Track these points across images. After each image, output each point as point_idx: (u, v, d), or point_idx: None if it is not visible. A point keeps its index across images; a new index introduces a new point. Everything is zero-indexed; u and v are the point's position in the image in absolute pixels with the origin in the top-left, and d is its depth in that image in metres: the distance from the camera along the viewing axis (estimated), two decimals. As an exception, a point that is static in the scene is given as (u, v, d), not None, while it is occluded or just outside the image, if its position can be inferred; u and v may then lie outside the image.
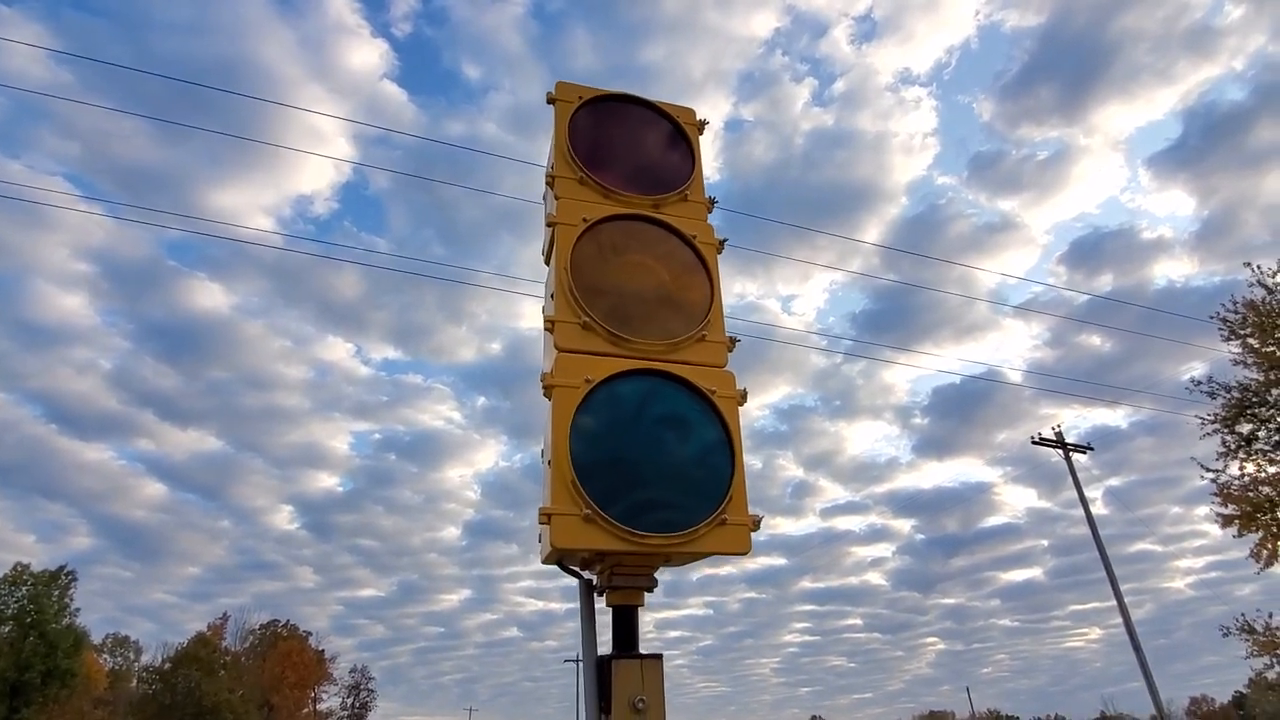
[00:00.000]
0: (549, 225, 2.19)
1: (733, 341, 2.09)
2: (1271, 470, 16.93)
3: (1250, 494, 17.42)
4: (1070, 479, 17.81)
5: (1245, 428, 17.76)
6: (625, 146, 2.44)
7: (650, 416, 1.95)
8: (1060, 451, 19.71)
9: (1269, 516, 17.23)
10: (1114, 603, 19.54)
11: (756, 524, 1.87)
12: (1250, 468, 17.49)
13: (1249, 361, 17.55)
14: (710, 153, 2.64)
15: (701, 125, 2.47)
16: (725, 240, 2.24)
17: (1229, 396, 17.74)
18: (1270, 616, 16.95)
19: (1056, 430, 20.10)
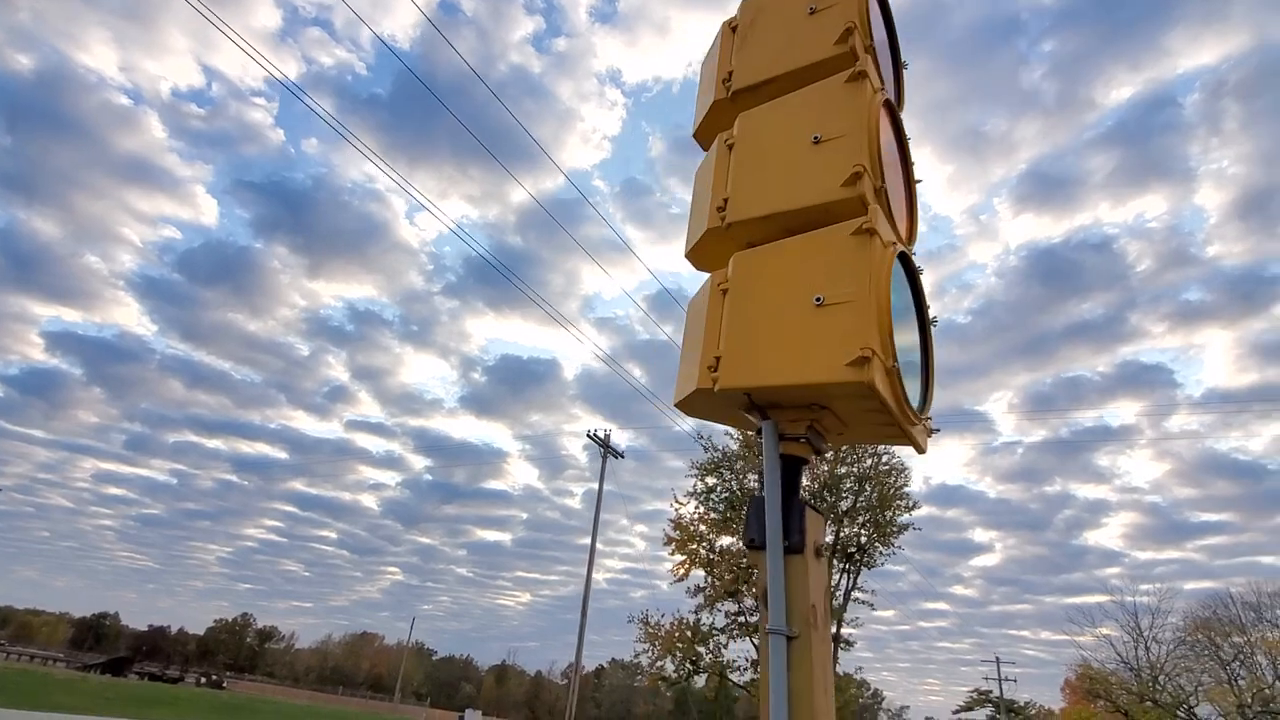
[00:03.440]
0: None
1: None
2: (712, 517, 22.21)
3: (690, 528, 22.51)
4: (596, 474, 21.12)
5: (711, 480, 22.95)
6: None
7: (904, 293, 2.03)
8: (600, 449, 23.45)
9: (694, 547, 22.46)
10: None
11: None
12: (701, 510, 22.62)
13: (736, 436, 22.84)
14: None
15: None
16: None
17: (713, 454, 22.78)
18: (662, 615, 21.99)
19: (606, 433, 23.95)
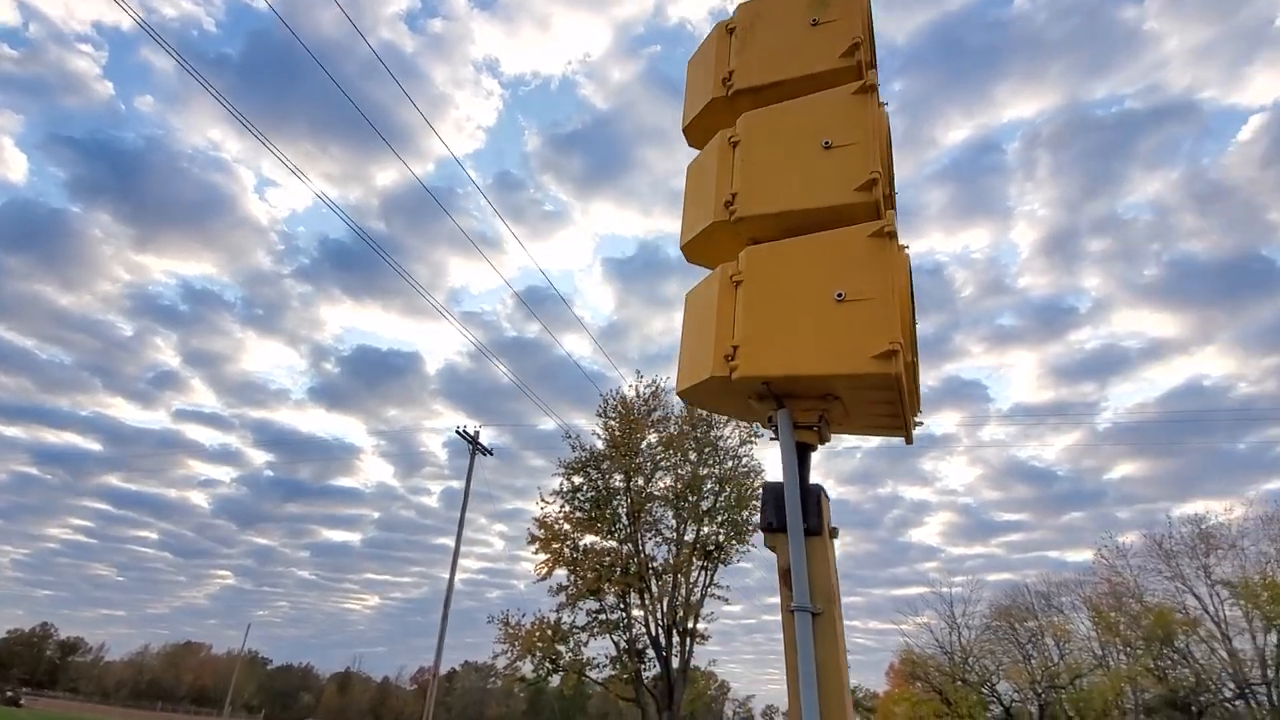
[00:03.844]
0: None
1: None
2: (578, 516, 22.24)
3: (555, 527, 22.44)
4: (456, 472, 20.42)
5: (578, 479, 22.98)
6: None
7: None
8: (469, 446, 22.71)
9: (558, 546, 22.39)
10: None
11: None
12: (566, 509, 22.60)
13: (603, 436, 22.98)
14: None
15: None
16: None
17: (582, 453, 22.83)
18: (522, 615, 21.75)
19: (476, 430, 23.22)
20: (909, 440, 2.21)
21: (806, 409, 2.03)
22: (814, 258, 2.04)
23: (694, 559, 22.52)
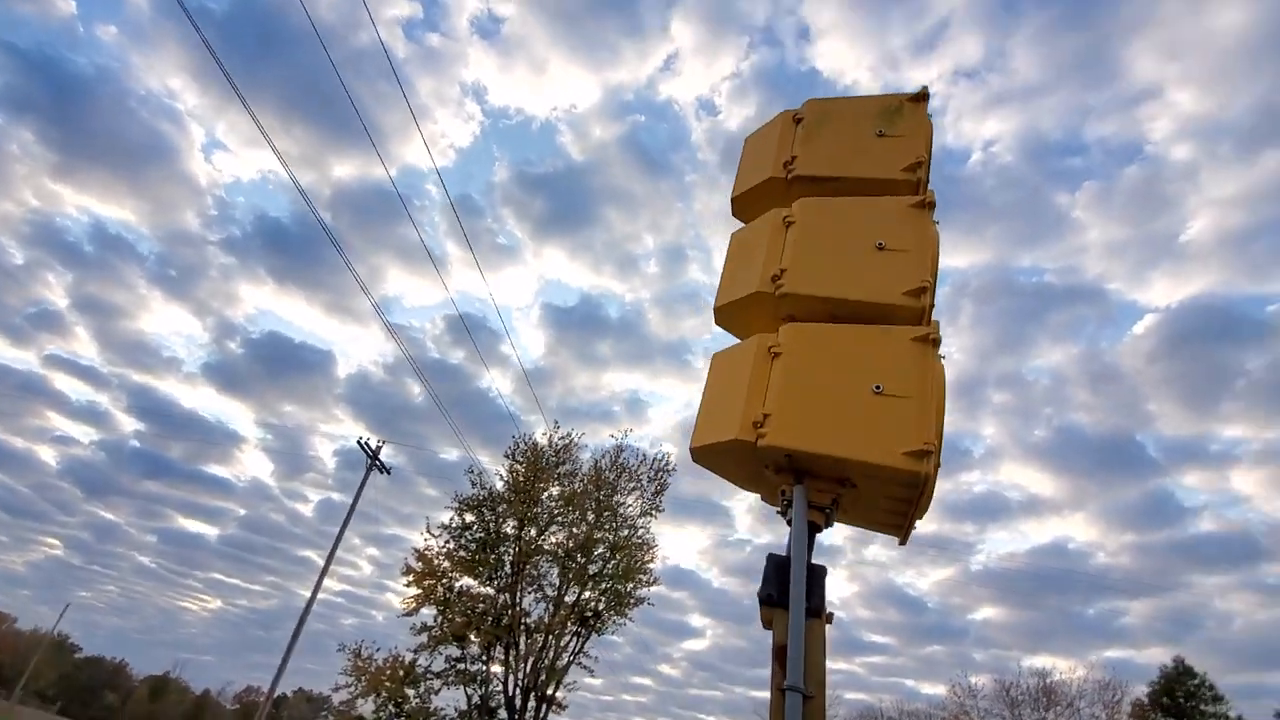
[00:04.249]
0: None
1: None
2: (461, 555, 21.44)
3: (434, 562, 21.55)
4: (340, 484, 19.30)
5: (470, 518, 22.27)
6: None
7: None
8: (367, 460, 21.66)
9: (432, 582, 21.45)
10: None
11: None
12: (450, 545, 21.79)
13: (506, 479, 22.48)
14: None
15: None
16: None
17: (480, 490, 22.19)
18: (376, 648, 20.53)
19: (379, 444, 22.22)
20: (904, 541, 2.25)
21: (821, 490, 2.05)
22: (857, 347, 2.11)
23: (569, 622, 21.94)
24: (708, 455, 2.21)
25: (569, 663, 21.85)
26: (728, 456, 2.17)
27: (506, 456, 22.38)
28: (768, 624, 1.96)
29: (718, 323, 2.54)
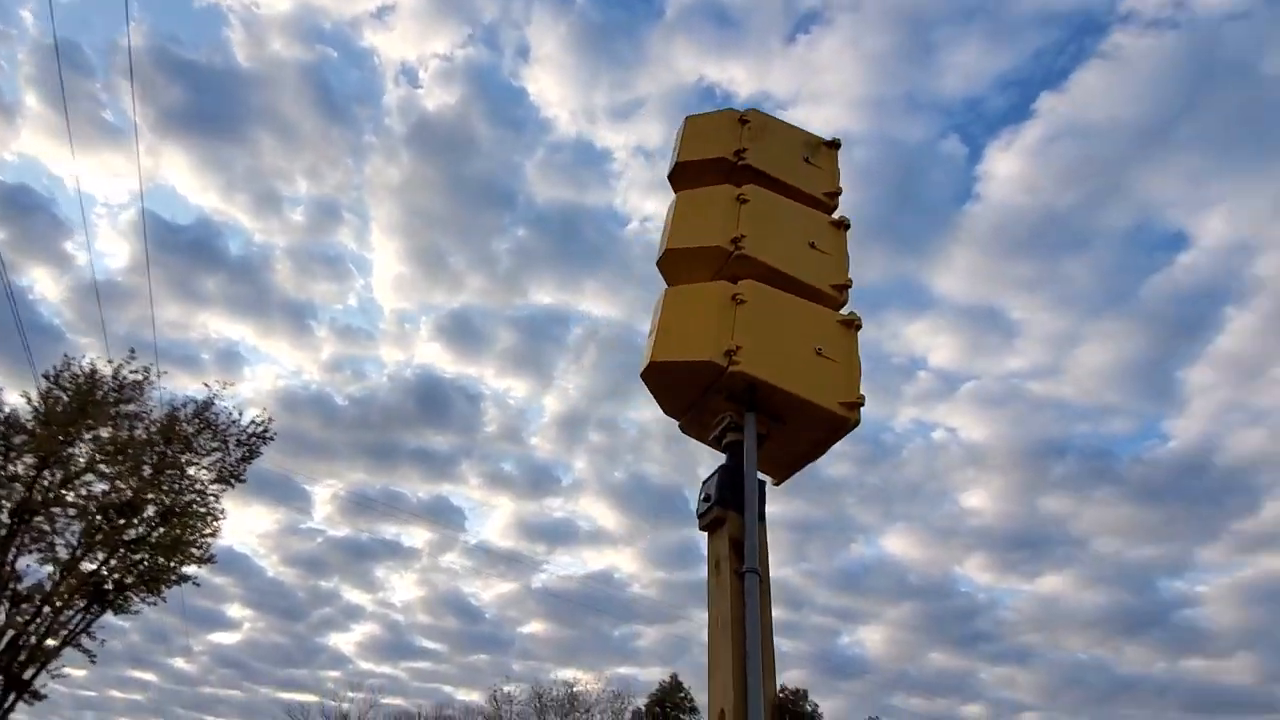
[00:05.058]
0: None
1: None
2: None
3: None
4: None
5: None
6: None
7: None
8: None
9: None
10: None
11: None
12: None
13: (36, 406, 17.71)
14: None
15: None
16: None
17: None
18: None
19: None
20: (779, 482, 2.71)
21: (760, 421, 2.42)
22: (802, 314, 2.56)
23: (78, 594, 17.77)
24: (665, 370, 2.42)
25: (64, 642, 17.65)
26: (688, 375, 2.40)
27: (46, 378, 17.59)
28: (715, 525, 2.24)
29: (661, 264, 2.77)
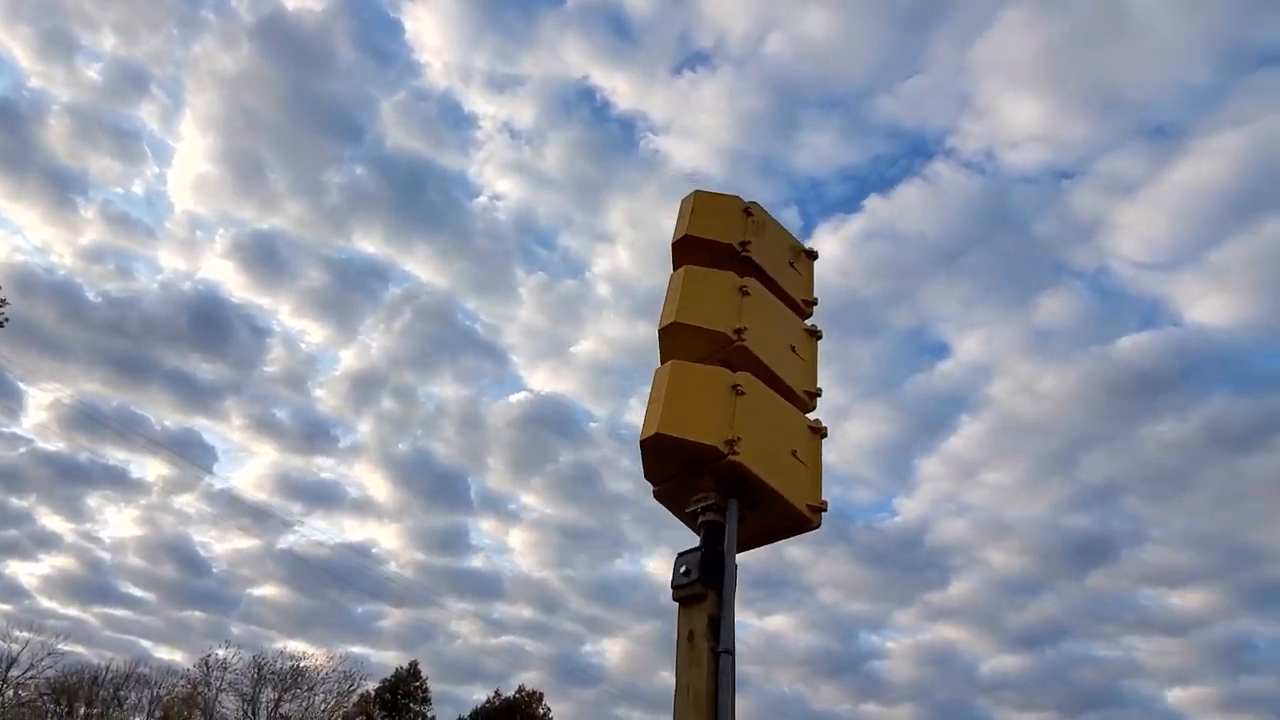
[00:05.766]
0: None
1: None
2: None
3: None
4: None
5: None
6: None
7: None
8: None
9: None
10: None
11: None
12: None
13: None
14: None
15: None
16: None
17: None
18: None
19: None
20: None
21: (740, 510, 2.64)
22: (785, 415, 2.83)
23: None
24: (666, 443, 2.56)
25: None
26: (687, 453, 2.57)
27: None
28: (693, 600, 2.42)
29: (663, 331, 2.92)
